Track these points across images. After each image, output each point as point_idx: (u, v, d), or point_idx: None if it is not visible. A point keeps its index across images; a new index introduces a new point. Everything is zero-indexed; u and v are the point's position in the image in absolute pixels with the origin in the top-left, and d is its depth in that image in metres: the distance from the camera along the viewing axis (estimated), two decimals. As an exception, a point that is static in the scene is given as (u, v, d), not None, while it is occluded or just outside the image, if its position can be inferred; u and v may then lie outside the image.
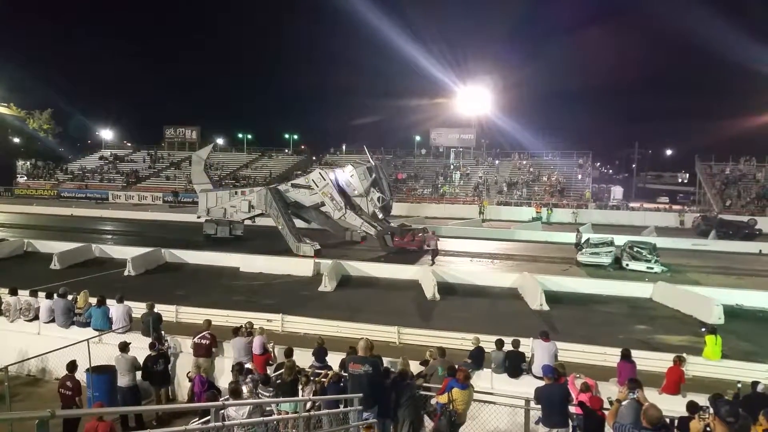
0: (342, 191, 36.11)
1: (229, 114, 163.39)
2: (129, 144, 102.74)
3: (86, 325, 17.80)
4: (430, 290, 24.97)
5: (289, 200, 36.80)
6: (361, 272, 29.22)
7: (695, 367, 16.84)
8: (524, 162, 77.50)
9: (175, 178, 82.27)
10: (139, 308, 17.95)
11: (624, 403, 10.59)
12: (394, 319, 20.38)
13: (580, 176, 72.85)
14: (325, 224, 38.42)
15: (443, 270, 28.80)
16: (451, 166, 78.83)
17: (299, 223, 37.67)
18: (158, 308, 17.47)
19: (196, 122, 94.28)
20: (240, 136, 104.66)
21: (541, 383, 12.35)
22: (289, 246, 34.19)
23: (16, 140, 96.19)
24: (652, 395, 12.68)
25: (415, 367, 13.70)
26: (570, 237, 40.04)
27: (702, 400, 11.38)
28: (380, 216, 36.94)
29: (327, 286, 26.06)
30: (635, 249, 33.33)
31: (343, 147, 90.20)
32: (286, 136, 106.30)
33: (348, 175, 36.42)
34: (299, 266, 29.43)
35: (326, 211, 36.77)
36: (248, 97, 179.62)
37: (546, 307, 23.29)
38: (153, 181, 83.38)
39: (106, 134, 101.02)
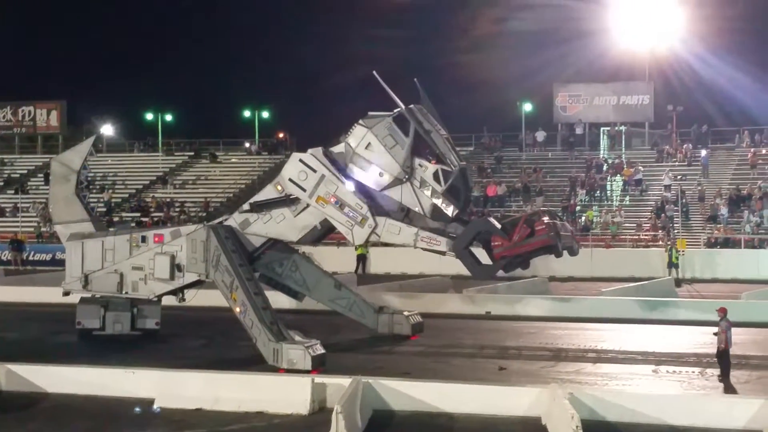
0: (357, 186, 21.63)
1: (125, 77, 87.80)
2: None
3: None
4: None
5: (254, 244, 22.72)
6: (417, 402, 18.40)
7: None
8: (764, 151, 47.07)
9: (17, 212, 52.48)
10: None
11: None
12: None
13: None
14: (336, 298, 23.78)
15: (594, 393, 18.08)
16: (604, 165, 48.14)
17: (279, 300, 23.53)
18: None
19: (59, 94, 60.22)
20: (149, 118, 64.38)
21: None
22: (259, 350, 21.05)
23: None
24: None
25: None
26: None
27: None
28: (450, 211, 21.54)
29: (342, 435, 18.12)
30: None
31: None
32: (246, 114, 64.16)
33: (362, 146, 21.72)
34: (282, 393, 19.09)
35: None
36: (166, 45, 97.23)
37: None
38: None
39: None
